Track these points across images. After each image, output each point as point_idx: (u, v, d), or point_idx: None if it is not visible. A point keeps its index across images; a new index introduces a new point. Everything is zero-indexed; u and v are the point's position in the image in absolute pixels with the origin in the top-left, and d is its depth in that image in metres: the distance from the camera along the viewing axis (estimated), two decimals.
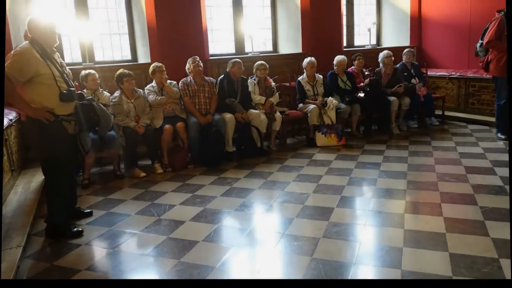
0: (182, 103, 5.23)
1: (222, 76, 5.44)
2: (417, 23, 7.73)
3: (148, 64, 5.26)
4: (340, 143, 5.59)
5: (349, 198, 3.72)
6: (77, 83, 4.18)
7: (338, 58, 6.08)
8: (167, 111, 5.06)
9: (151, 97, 4.96)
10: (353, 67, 6.38)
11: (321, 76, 6.02)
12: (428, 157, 4.84)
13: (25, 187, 3.99)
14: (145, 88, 5.09)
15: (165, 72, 5.01)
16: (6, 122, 3.89)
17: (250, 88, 5.56)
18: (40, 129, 3.04)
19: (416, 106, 6.31)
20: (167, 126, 4.85)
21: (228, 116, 5.19)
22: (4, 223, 3.16)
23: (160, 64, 5.02)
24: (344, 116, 5.81)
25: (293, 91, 6.18)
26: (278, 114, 5.53)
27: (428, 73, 6.91)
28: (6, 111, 4.28)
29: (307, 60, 5.91)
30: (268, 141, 5.69)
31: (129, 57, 6.06)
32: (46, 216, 3.29)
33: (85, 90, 4.59)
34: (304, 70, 5.96)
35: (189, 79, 5.22)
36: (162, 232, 3.22)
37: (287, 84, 6.27)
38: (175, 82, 5.18)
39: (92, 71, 4.72)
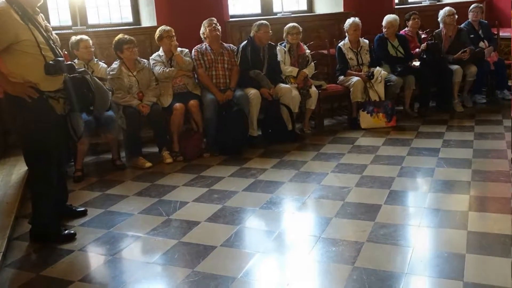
0: (195, 76, 5.30)
1: (245, 42, 5.48)
2: None
3: (154, 28, 5.33)
4: (390, 124, 5.58)
5: (400, 193, 3.72)
6: (66, 52, 4.22)
7: (388, 18, 6.04)
8: (177, 86, 5.14)
9: (158, 69, 5.02)
10: (406, 29, 6.33)
11: (366, 41, 6.01)
12: (499, 140, 4.80)
13: (5, 180, 4.08)
14: (150, 58, 5.17)
15: (175, 37, 5.05)
16: None
17: (279, 57, 5.58)
18: (21, 109, 3.06)
19: (484, 76, 6.26)
20: (177, 104, 4.91)
21: (252, 92, 5.22)
22: None
23: (168, 28, 5.05)
24: (395, 90, 5.80)
25: (332, 60, 6.19)
26: (313, 89, 5.53)
27: (501, 34, 6.82)
28: None
29: (349, 21, 5.88)
30: (301, 123, 5.72)
31: (130, 20, 6.17)
32: (30, 216, 3.33)
33: (76, 61, 4.66)
34: (346, 34, 5.95)
35: (204, 47, 5.25)
36: (172, 235, 3.28)
37: (325, 51, 6.27)
38: (187, 50, 5.23)
39: (85, 37, 4.78)
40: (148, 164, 4.76)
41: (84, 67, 4.42)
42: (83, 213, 3.70)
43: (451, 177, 3.94)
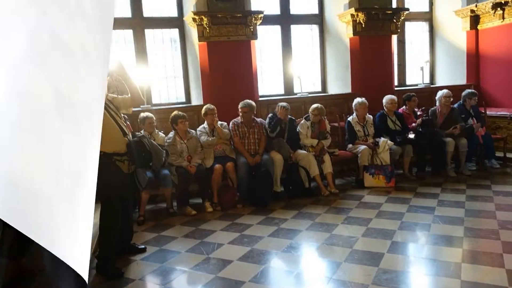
0: (232, 143, 5.47)
1: (271, 114, 5.61)
2: (475, 60, 7.60)
3: (201, 106, 5.55)
4: (389, 185, 5.53)
5: (400, 244, 3.66)
6: (128, 123, 4.40)
7: (390, 97, 6.08)
8: (217, 151, 5.31)
9: (203, 138, 5.23)
10: (404, 107, 6.32)
11: (371, 117, 6.05)
12: (488, 203, 4.64)
13: None
14: (197, 129, 5.38)
15: (216, 114, 5.29)
16: None
17: (300, 129, 5.69)
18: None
19: (474, 147, 6.13)
20: (217, 165, 5.08)
21: (277, 156, 5.35)
22: None
23: (212, 106, 5.30)
24: (395, 157, 5.75)
25: (342, 131, 6.24)
26: (326, 156, 5.57)
27: (488, 112, 6.69)
28: None
29: (358, 100, 5.96)
30: (326, 186, 5.53)
31: (183, 99, 6.51)
32: (97, 252, 3.47)
33: (142, 131, 4.90)
34: (354, 111, 6.02)
35: (239, 120, 5.46)
36: (210, 270, 3.34)
37: (336, 124, 6.35)
38: (225, 123, 5.43)
39: (150, 115, 5.05)
40: (194, 212, 4.87)
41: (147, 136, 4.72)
42: (143, 250, 3.82)
43: (445, 232, 3.85)
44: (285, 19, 7.02)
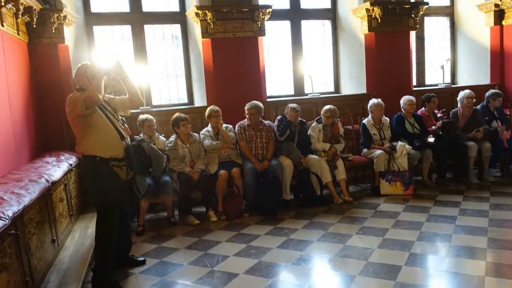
0: (238, 147, 5.50)
1: (280, 116, 5.62)
2: (499, 58, 7.56)
3: (204, 108, 5.63)
4: (407, 192, 5.54)
5: (419, 256, 3.66)
6: (126, 126, 4.44)
7: (405, 98, 6.10)
8: (222, 156, 5.34)
9: (207, 142, 5.27)
10: (423, 109, 6.33)
11: (387, 119, 6.08)
12: None
13: (82, 232, 4.33)
14: (201, 132, 5.42)
15: (221, 116, 5.32)
16: (66, 166, 4.33)
17: (312, 133, 5.71)
18: (92, 175, 3.37)
19: (498, 152, 6.13)
20: (222, 171, 5.11)
21: (286, 162, 5.36)
22: (60, 270, 3.45)
23: (216, 108, 5.34)
24: (413, 162, 5.76)
25: (357, 135, 6.26)
26: (340, 161, 5.60)
27: None
28: (66, 155, 4.78)
29: (374, 102, 5.98)
30: (340, 193, 5.55)
31: (185, 100, 6.56)
32: (93, 265, 3.49)
33: (141, 135, 4.95)
34: (370, 112, 6.05)
35: (246, 123, 5.49)
36: (214, 285, 3.36)
37: (350, 127, 6.36)
38: (231, 126, 5.48)
39: (149, 117, 5.11)
40: (197, 222, 4.89)
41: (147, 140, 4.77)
42: (143, 262, 3.84)
43: (468, 243, 3.84)
44: (295, 14, 7.04)
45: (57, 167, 4.15)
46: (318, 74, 7.15)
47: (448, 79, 7.93)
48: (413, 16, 6.82)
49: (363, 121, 6.07)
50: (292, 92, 7.07)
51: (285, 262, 3.73)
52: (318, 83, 7.18)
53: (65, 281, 3.27)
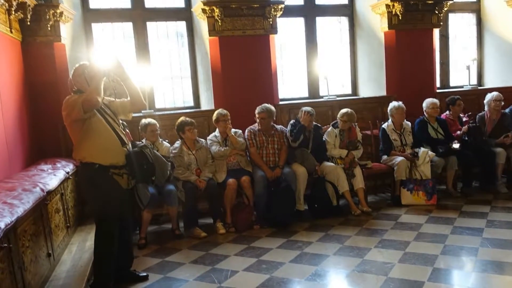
0: (248, 154, 5.54)
1: (294, 120, 5.64)
2: None
3: (212, 111, 5.65)
4: (430, 203, 5.55)
5: (443, 271, 3.67)
6: (127, 131, 4.48)
7: (428, 101, 6.10)
8: (231, 164, 5.37)
9: (214, 148, 5.31)
10: (447, 113, 6.34)
11: (409, 123, 6.09)
12: None
13: (80, 245, 4.34)
14: (208, 138, 5.46)
15: (230, 121, 5.36)
16: (62, 174, 4.36)
17: (327, 138, 5.74)
18: (91, 184, 3.41)
19: None
20: (230, 180, 5.14)
21: (299, 170, 5.38)
22: (57, 286, 3.45)
23: (225, 112, 5.38)
24: (437, 170, 5.78)
25: (376, 141, 6.28)
26: (357, 169, 5.62)
27: None
28: (63, 162, 4.82)
29: (394, 105, 5.98)
30: (357, 203, 5.57)
31: (191, 103, 6.61)
32: (92, 280, 3.52)
33: (143, 140, 5.00)
34: (390, 117, 6.06)
35: (256, 128, 5.52)
36: None
37: (368, 132, 6.38)
38: (240, 131, 5.51)
39: (152, 121, 5.13)
40: (204, 234, 4.91)
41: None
42: (145, 278, 3.86)
43: (496, 257, 3.83)
44: (310, 10, 7.09)
45: (53, 175, 4.17)
46: (334, 75, 7.18)
47: (474, 81, 7.91)
48: (436, 12, 6.83)
49: (383, 126, 6.08)
50: (306, 95, 7.10)
51: (299, 277, 3.75)
52: (334, 85, 7.18)
53: None
